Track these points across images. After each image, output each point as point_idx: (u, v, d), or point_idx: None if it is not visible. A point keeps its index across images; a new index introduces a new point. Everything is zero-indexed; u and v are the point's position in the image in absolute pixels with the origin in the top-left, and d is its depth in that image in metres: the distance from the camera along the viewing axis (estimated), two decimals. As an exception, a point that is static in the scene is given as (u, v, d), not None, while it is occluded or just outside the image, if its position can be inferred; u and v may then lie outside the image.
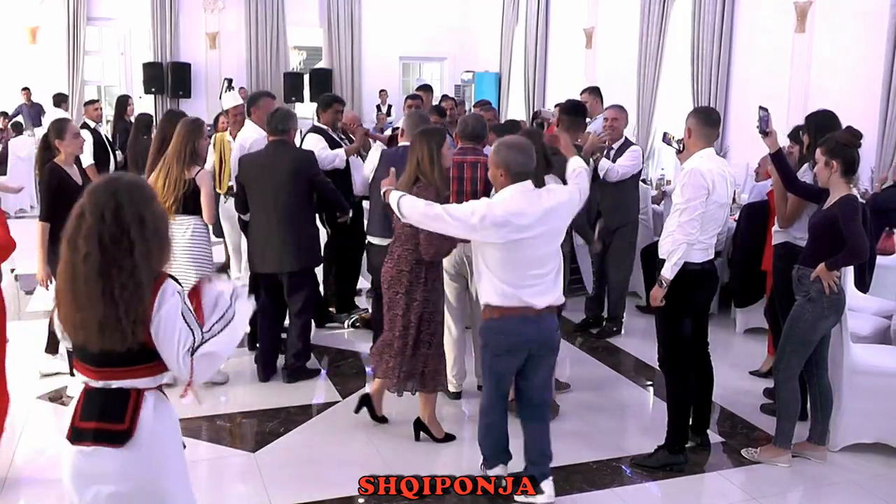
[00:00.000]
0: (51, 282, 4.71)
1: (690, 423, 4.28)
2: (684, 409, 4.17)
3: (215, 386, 5.01)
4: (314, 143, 5.86)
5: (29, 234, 5.34)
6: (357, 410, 4.55)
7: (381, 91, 15.51)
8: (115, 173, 2.31)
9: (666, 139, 4.97)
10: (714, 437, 4.58)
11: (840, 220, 3.88)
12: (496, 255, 3.50)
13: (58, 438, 4.31)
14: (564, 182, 4.05)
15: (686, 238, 3.89)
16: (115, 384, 2.28)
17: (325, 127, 6.07)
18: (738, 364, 5.69)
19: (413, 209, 3.63)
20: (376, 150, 5.31)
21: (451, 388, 4.88)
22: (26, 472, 4.02)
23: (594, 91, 6.98)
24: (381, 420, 4.57)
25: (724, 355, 6.06)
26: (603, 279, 6.28)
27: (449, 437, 4.42)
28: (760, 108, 4.34)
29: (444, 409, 4.68)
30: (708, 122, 4.10)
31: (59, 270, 2.24)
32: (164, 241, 2.29)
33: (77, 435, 2.28)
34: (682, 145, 4.64)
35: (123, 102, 9.64)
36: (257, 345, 5.36)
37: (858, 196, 4.08)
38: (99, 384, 2.30)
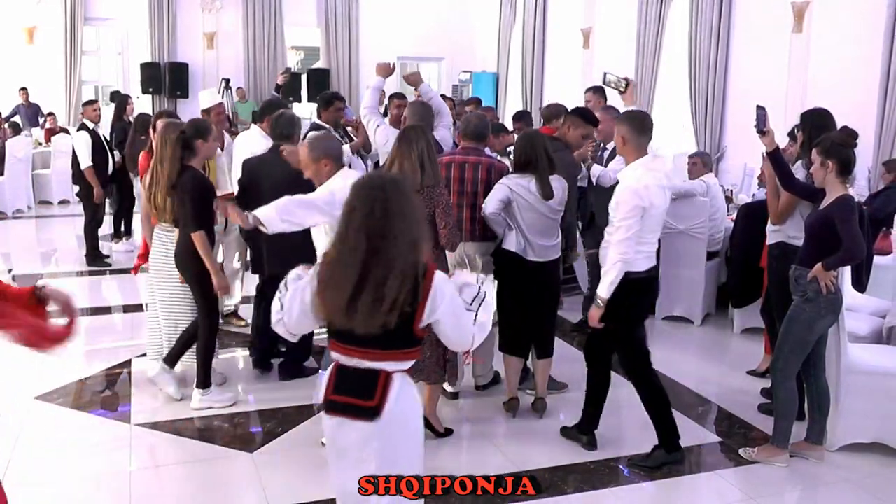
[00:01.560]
0: (226, 290, 4.68)
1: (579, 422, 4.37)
2: (665, 408, 4.19)
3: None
4: None
5: (27, 234, 5.33)
6: None
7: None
8: (375, 171, 2.46)
9: (606, 80, 4.79)
10: (712, 436, 4.61)
11: (836, 220, 3.89)
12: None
13: (55, 438, 4.36)
14: (569, 180, 4.04)
15: (622, 257, 3.87)
16: (365, 364, 2.45)
17: (326, 126, 6.01)
18: (735, 364, 5.71)
19: (272, 209, 3.76)
20: (383, 129, 5.27)
21: (450, 389, 4.89)
22: (24, 473, 4.02)
23: (598, 90, 6.93)
24: (448, 433, 4.48)
25: (721, 355, 6.09)
26: (599, 280, 6.28)
27: (448, 432, 4.45)
28: (758, 106, 4.35)
29: (443, 410, 4.68)
30: (642, 130, 4.01)
31: (327, 259, 2.44)
32: (423, 233, 2.45)
33: (329, 406, 2.51)
34: (625, 83, 4.56)
35: (123, 102, 9.62)
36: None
37: (855, 196, 4.10)
38: (351, 363, 2.47)
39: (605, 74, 4.75)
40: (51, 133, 12.79)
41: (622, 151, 4.08)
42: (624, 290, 3.96)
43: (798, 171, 4.57)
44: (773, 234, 4.72)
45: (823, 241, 3.96)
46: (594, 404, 4.31)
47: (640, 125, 4.01)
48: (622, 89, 4.56)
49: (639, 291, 4.03)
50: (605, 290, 3.92)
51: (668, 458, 4.16)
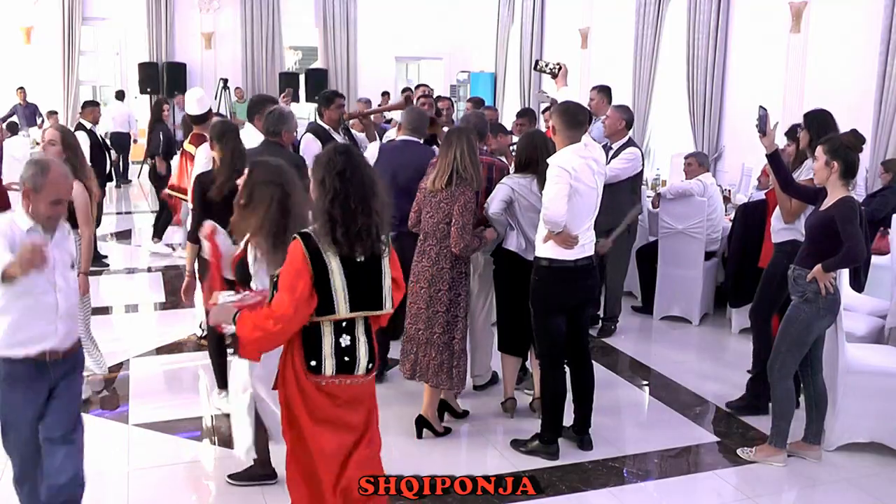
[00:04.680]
0: None
1: (572, 423, 4.35)
2: (558, 403, 4.21)
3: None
4: (309, 149, 5.62)
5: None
6: (420, 434, 4.48)
7: (384, 93, 15.38)
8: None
9: (538, 67, 4.81)
10: (709, 436, 4.62)
11: (838, 221, 3.88)
12: None
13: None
14: None
15: (559, 206, 3.87)
16: None
17: (326, 126, 5.86)
18: (733, 364, 5.71)
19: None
20: (374, 145, 5.23)
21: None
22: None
23: (603, 90, 6.87)
24: (447, 431, 4.52)
25: (719, 355, 6.10)
26: (600, 280, 6.28)
27: (447, 431, 4.51)
28: (760, 107, 4.34)
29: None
30: (573, 124, 4.02)
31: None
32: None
33: None
34: (559, 67, 4.59)
35: (160, 106, 9.61)
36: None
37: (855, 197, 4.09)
38: None
39: (536, 62, 4.79)
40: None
41: (554, 139, 4.12)
42: (547, 277, 4.02)
43: (809, 172, 4.54)
44: (783, 231, 4.68)
45: (824, 242, 3.96)
46: (551, 410, 4.25)
47: (570, 119, 4.02)
48: (556, 73, 4.58)
49: (563, 280, 4.06)
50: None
51: (544, 450, 4.20)
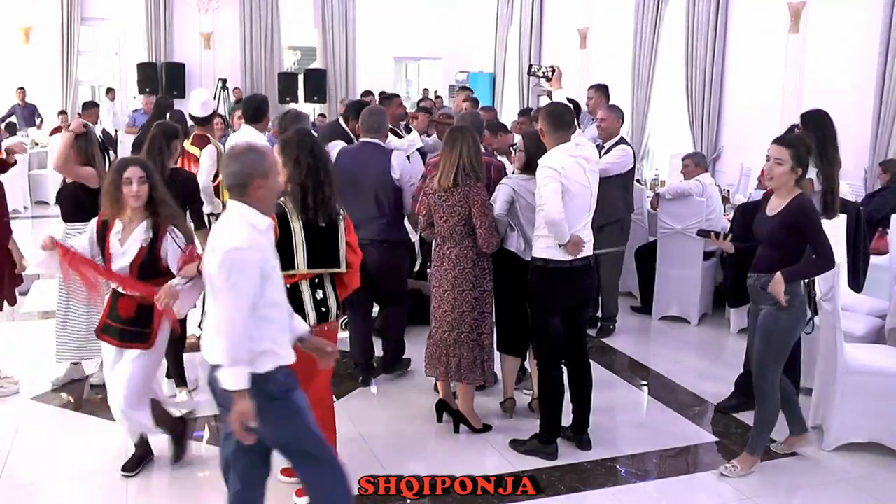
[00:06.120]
0: None
1: (570, 423, 4.36)
2: (556, 403, 4.23)
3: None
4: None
5: (23, 235, 5.33)
6: (440, 419, 4.60)
7: (365, 93, 15.18)
8: None
9: (531, 71, 4.93)
10: (708, 436, 4.62)
11: (804, 228, 3.83)
12: None
13: (52, 439, 4.35)
14: None
15: (556, 205, 3.93)
16: None
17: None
18: (732, 364, 5.71)
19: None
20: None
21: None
22: (21, 474, 4.03)
23: (600, 88, 6.86)
24: (487, 428, 4.56)
25: (718, 355, 6.11)
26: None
27: (486, 427, 4.54)
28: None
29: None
30: (559, 125, 4.09)
31: None
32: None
33: None
34: (552, 71, 4.68)
35: (168, 106, 9.54)
36: None
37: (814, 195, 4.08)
38: None
39: (530, 66, 4.91)
40: (57, 132, 12.71)
41: (544, 141, 4.16)
42: (544, 277, 4.07)
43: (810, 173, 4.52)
44: None
45: (788, 242, 3.90)
46: (549, 410, 4.25)
47: (557, 121, 4.10)
48: (549, 76, 4.66)
49: (558, 282, 4.08)
50: (563, 237, 4.00)
51: (542, 449, 4.22)
